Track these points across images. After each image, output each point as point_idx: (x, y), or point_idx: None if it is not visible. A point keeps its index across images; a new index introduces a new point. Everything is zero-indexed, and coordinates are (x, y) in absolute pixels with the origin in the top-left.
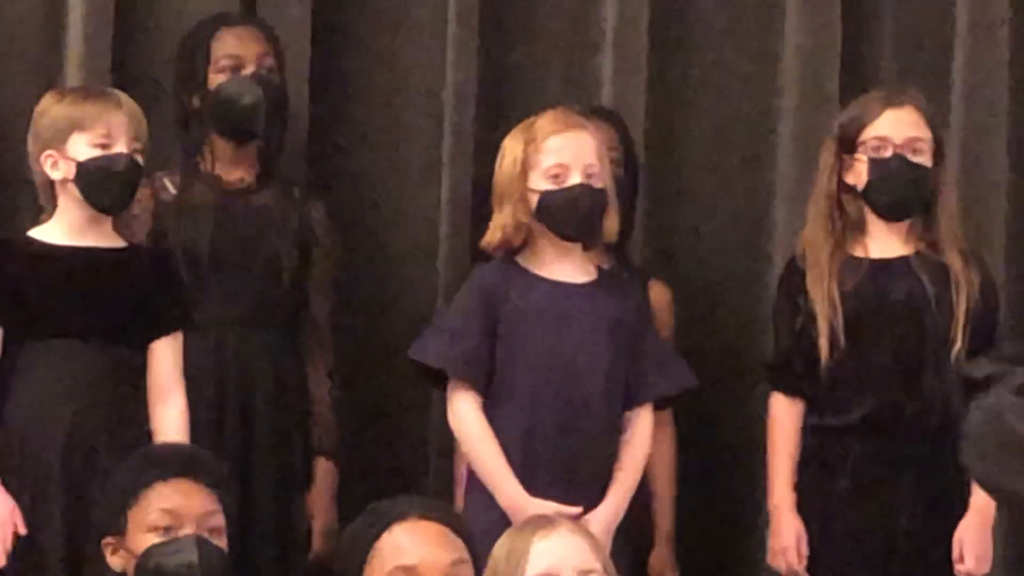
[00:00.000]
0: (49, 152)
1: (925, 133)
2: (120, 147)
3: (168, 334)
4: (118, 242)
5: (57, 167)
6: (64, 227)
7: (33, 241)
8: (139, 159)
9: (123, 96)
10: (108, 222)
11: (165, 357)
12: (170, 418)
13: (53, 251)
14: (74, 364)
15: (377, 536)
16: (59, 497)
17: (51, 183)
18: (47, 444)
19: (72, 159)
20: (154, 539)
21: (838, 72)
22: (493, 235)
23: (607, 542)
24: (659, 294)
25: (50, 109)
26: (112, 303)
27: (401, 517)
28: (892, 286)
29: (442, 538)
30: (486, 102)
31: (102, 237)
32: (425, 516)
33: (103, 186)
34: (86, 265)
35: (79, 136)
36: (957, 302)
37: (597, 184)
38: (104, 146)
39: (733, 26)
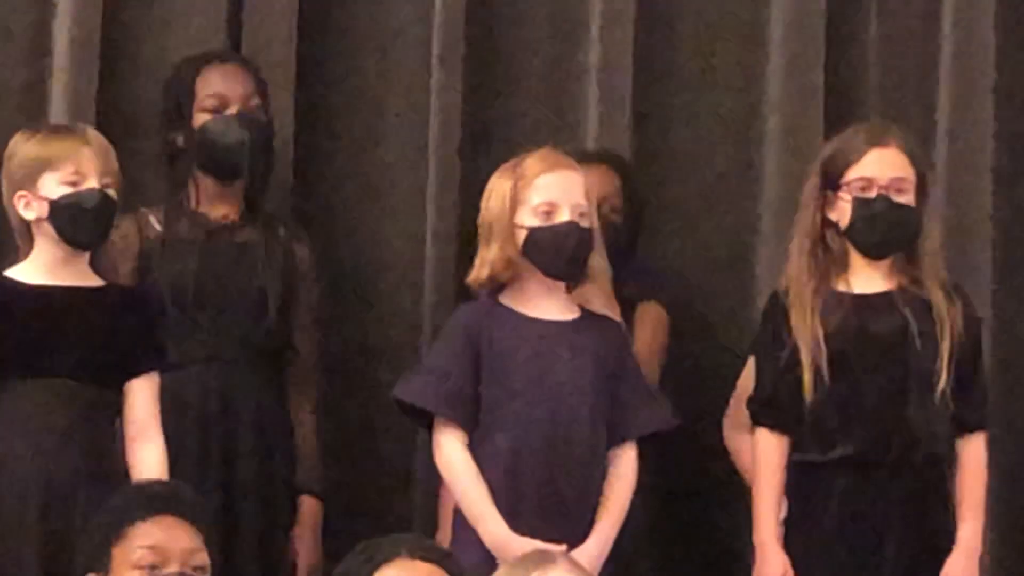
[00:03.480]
0: (21, 193)
1: (909, 173)
2: (91, 183)
3: (144, 373)
4: (95, 281)
5: (30, 207)
6: (40, 266)
7: (8, 281)
8: (112, 193)
9: (90, 131)
10: (84, 260)
11: (142, 397)
12: (148, 458)
13: (29, 290)
14: (50, 403)
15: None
16: (36, 535)
17: (27, 224)
18: (23, 482)
19: (44, 198)
20: None
21: (822, 102)
22: (480, 271)
23: None
24: (651, 313)
25: (19, 150)
26: (88, 342)
27: (393, 556)
28: (876, 322)
29: None
30: (471, 135)
31: (78, 276)
32: (416, 555)
33: (76, 223)
34: (62, 304)
35: (49, 175)
36: (941, 337)
37: (585, 224)
38: (74, 183)
39: (717, 57)
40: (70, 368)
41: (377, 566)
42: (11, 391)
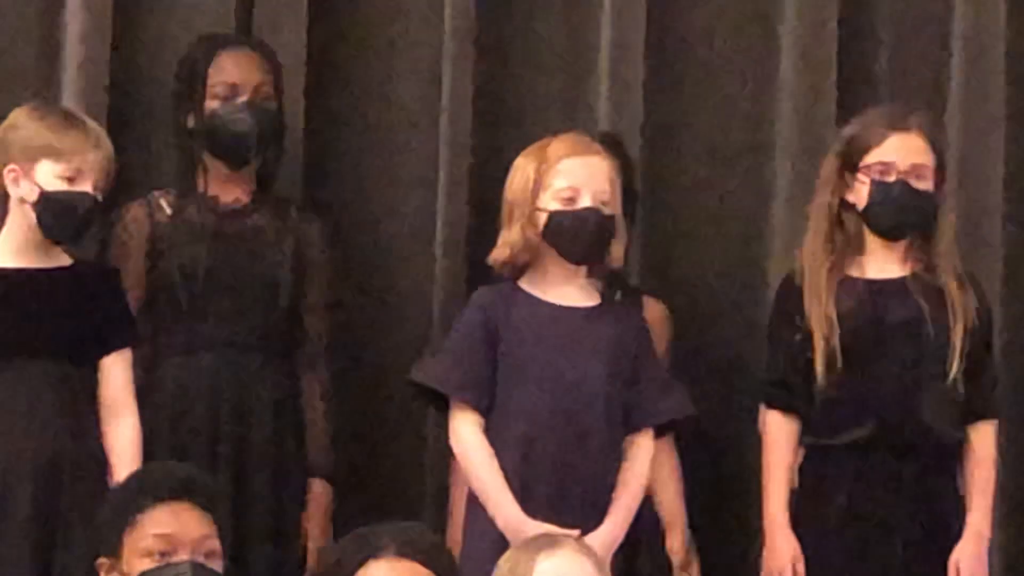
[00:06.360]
0: (13, 167)
1: (929, 159)
2: (86, 186)
3: (117, 350)
4: (63, 260)
5: (18, 184)
6: (12, 248)
7: None
8: (100, 198)
9: (101, 134)
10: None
11: (115, 374)
12: (122, 435)
13: (1, 274)
14: (30, 384)
15: (355, 570)
16: (25, 515)
17: (5, 192)
18: (9, 463)
19: (37, 184)
20: (149, 564)
21: (834, 93)
22: (501, 252)
23: (608, 564)
24: (654, 311)
25: (26, 125)
26: (60, 322)
27: (379, 552)
28: (889, 307)
29: None
30: (482, 122)
31: (49, 256)
32: (403, 553)
33: (63, 220)
34: (34, 286)
35: (49, 164)
36: (954, 325)
37: (607, 211)
38: (71, 180)
39: (729, 36)
40: (46, 349)
41: (362, 562)
42: None
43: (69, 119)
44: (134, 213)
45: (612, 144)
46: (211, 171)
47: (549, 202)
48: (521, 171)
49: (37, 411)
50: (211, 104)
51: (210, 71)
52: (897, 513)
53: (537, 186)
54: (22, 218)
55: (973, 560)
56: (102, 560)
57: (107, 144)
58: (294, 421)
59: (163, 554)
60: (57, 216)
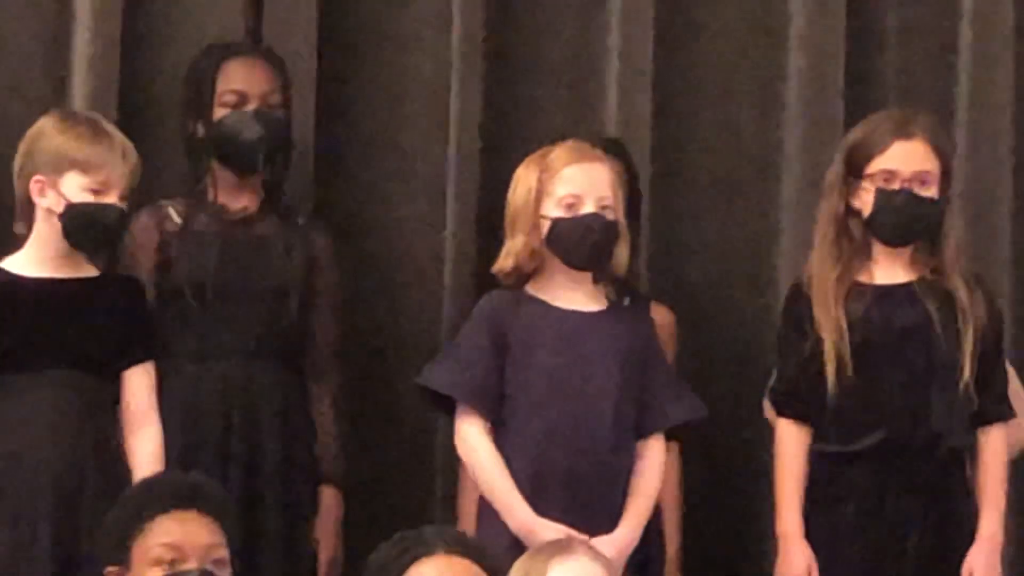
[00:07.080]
0: (40, 177)
1: (933, 165)
2: (112, 198)
3: (140, 363)
4: (90, 270)
5: (45, 195)
6: (38, 258)
7: (7, 275)
8: (126, 208)
9: (128, 145)
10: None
11: (138, 386)
12: (145, 446)
13: (26, 284)
14: (55, 396)
15: (404, 569)
16: (48, 526)
17: (31, 203)
18: (31, 475)
19: (64, 196)
20: (158, 573)
21: (842, 99)
22: (505, 261)
23: (620, 569)
24: (662, 317)
25: (53, 136)
26: (84, 332)
27: (429, 551)
28: (898, 313)
29: (469, 574)
30: (491, 129)
31: (76, 267)
32: (453, 551)
33: (89, 232)
34: (61, 297)
35: (76, 176)
36: (964, 330)
37: (609, 216)
38: (97, 192)
39: (737, 54)
40: (69, 359)
41: (414, 560)
42: (15, 385)
43: (96, 130)
44: (143, 221)
45: (615, 148)
46: (220, 179)
47: (551, 209)
48: (523, 180)
49: (59, 421)
50: (219, 112)
51: (218, 79)
52: (909, 518)
53: (539, 194)
54: (48, 228)
55: (986, 565)
56: (111, 569)
57: (133, 155)
58: (304, 428)
59: (171, 563)
60: (83, 228)
